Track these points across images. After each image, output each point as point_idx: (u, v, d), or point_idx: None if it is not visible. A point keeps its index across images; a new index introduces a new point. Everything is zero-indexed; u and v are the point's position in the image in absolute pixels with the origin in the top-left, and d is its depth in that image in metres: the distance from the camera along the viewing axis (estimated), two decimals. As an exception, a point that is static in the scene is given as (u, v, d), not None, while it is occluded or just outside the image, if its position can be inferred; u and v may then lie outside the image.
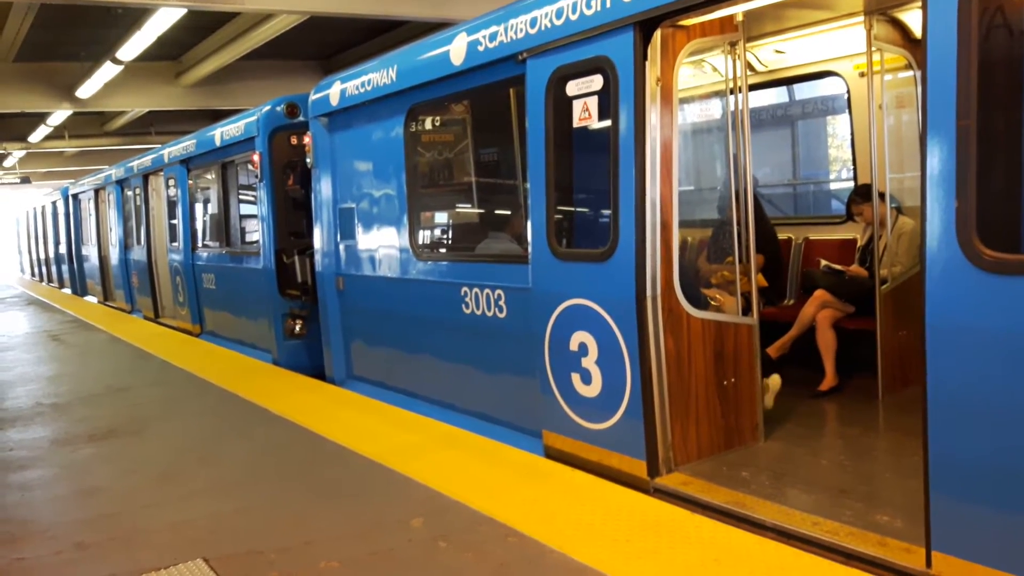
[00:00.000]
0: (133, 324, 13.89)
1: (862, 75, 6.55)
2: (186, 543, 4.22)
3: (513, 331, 5.59)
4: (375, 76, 6.85)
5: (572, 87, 4.96)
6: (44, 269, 27.08)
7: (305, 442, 6.02)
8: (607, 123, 4.75)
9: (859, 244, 6.60)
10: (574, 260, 5.05)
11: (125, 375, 9.25)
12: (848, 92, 6.98)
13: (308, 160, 8.00)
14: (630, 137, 4.56)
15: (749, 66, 6.92)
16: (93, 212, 18.11)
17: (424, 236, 7.36)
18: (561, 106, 5.04)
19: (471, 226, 7.84)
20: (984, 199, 3.10)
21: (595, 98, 4.83)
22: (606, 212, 4.86)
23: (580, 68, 4.87)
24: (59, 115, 20.67)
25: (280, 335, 9.12)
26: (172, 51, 16.76)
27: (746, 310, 5.02)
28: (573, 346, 5.00)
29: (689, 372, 4.72)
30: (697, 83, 6.07)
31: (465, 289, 5.99)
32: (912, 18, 5.71)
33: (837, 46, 6.60)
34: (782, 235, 7.16)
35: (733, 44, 4.89)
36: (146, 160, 13.75)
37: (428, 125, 7.38)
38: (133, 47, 13.59)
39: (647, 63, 4.51)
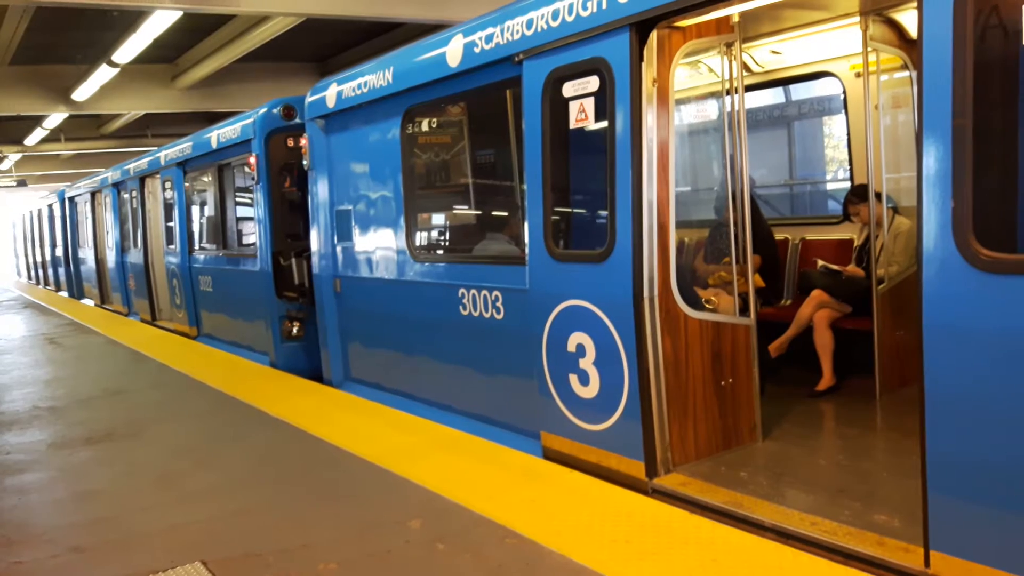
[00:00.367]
0: (130, 327, 13.87)
1: (858, 75, 6.56)
2: (184, 546, 4.21)
3: (511, 332, 5.59)
4: (371, 78, 6.85)
5: (568, 88, 4.96)
6: (41, 272, 27.03)
7: (302, 444, 6.01)
8: (603, 124, 4.75)
9: (856, 244, 6.61)
10: (571, 261, 5.05)
11: (122, 378, 9.23)
12: (844, 92, 6.99)
13: (305, 162, 8.00)
14: (627, 138, 4.56)
15: (745, 67, 6.93)
16: (90, 215, 18.07)
17: (421, 238, 7.36)
18: (557, 107, 5.04)
19: (468, 228, 7.84)
20: (980, 199, 3.11)
21: (591, 99, 4.83)
22: (603, 213, 4.86)
23: (576, 69, 4.88)
24: (55, 118, 20.66)
25: (277, 337, 9.11)
26: (168, 54, 16.76)
27: (743, 310, 5.03)
28: (571, 347, 5.00)
29: (687, 373, 4.72)
30: (693, 84, 6.08)
31: (462, 290, 5.99)
32: (908, 18, 5.72)
33: (833, 47, 6.60)
34: (779, 235, 7.17)
35: (729, 45, 4.90)
36: (142, 163, 13.74)
37: (425, 127, 7.38)
38: (129, 50, 13.59)
39: (643, 64, 4.51)
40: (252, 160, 9.09)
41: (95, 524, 4.68)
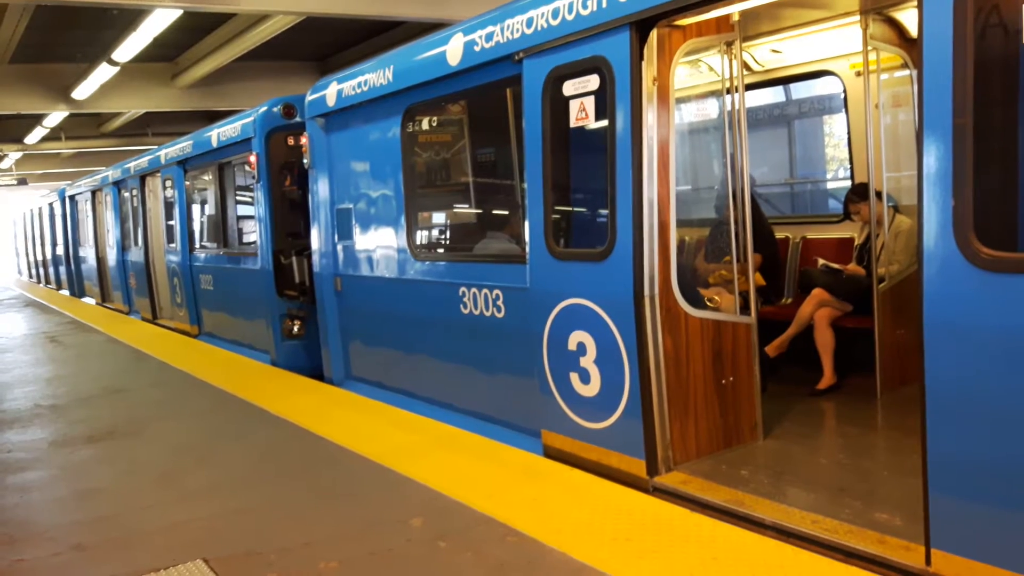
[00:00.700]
0: (131, 325, 13.88)
1: (858, 74, 6.56)
2: (185, 544, 4.22)
3: (511, 331, 5.59)
4: (371, 77, 6.85)
5: (569, 87, 4.96)
6: (41, 271, 27.04)
7: (303, 443, 6.02)
8: (604, 123, 4.75)
9: (856, 243, 6.61)
10: (572, 260, 5.05)
11: (123, 376, 9.24)
12: (844, 91, 6.99)
13: (305, 161, 8.00)
14: (627, 137, 4.56)
15: (745, 66, 6.93)
16: (90, 213, 18.08)
17: (422, 236, 7.36)
18: (558, 106, 5.04)
19: (469, 226, 7.84)
20: (981, 197, 3.11)
21: (592, 98, 4.83)
22: (603, 212, 4.86)
23: (576, 68, 4.88)
24: (55, 116, 20.66)
25: (278, 336, 9.12)
26: (168, 52, 16.75)
27: (744, 309, 5.03)
28: (571, 346, 5.00)
29: (687, 371, 4.72)
30: (694, 83, 6.08)
31: (463, 289, 6.00)
32: (908, 17, 5.72)
33: (833, 45, 6.60)
34: (780, 234, 7.16)
35: (729, 44, 4.90)
36: (143, 161, 13.74)
37: (425, 125, 7.38)
38: (129, 48, 13.59)
39: (643, 63, 4.51)
40: (252, 159, 9.09)
41: (97, 522, 4.69)
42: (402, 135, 6.73)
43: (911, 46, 5.72)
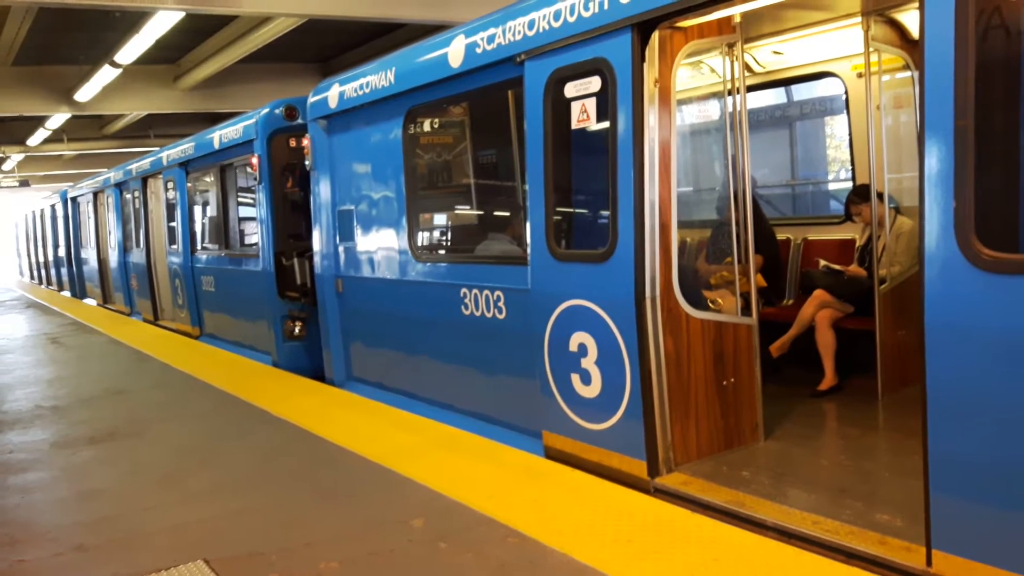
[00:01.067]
0: (132, 327, 13.89)
1: (860, 76, 6.56)
2: (187, 545, 4.22)
3: (512, 332, 5.59)
4: (373, 79, 6.86)
5: (570, 89, 4.97)
6: (43, 272, 27.06)
7: (305, 444, 6.02)
8: (605, 125, 4.76)
9: (858, 244, 6.61)
10: (573, 261, 5.06)
11: (125, 377, 9.25)
12: (846, 93, 7.00)
13: (307, 162, 8.01)
14: (628, 139, 4.56)
15: (747, 67, 6.93)
16: (92, 215, 18.10)
17: (423, 238, 7.37)
18: (559, 108, 5.05)
19: (470, 228, 7.85)
20: (982, 199, 3.11)
21: (593, 100, 4.84)
22: (605, 213, 4.87)
23: (578, 70, 4.88)
24: (58, 118, 20.68)
25: (279, 337, 9.13)
26: (170, 54, 16.77)
27: (745, 310, 5.03)
28: (573, 347, 5.01)
29: (689, 372, 4.73)
30: (695, 84, 6.09)
31: (464, 290, 6.00)
32: (910, 19, 5.72)
33: (835, 47, 6.61)
34: (781, 235, 7.17)
35: (731, 45, 4.90)
36: (145, 163, 13.76)
37: (427, 127, 7.39)
38: (131, 50, 13.61)
39: (645, 65, 4.51)
40: (254, 160, 9.10)
41: (98, 523, 4.69)
42: (404, 137, 6.74)
43: (913, 47, 5.73)
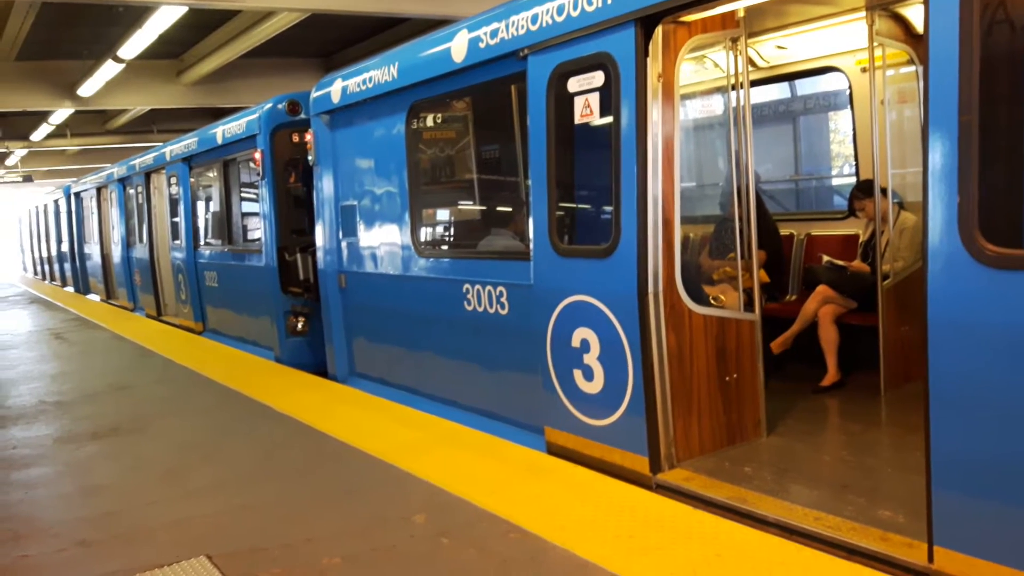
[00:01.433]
0: (136, 322, 13.91)
1: (864, 70, 6.53)
2: (189, 540, 4.23)
3: (515, 328, 5.59)
4: (376, 73, 6.85)
5: (573, 84, 4.95)
6: (47, 267, 27.11)
7: (307, 439, 6.03)
8: (609, 120, 4.75)
9: (861, 240, 6.59)
10: (576, 256, 5.05)
11: (128, 373, 9.27)
12: (850, 88, 6.97)
13: (310, 158, 8.00)
14: (632, 134, 4.55)
15: (751, 62, 6.92)
16: (95, 210, 18.12)
17: (426, 233, 7.37)
18: (563, 103, 5.04)
19: (473, 223, 7.84)
20: (986, 194, 3.10)
21: (596, 95, 4.83)
22: (608, 209, 4.86)
23: (581, 65, 4.87)
24: (61, 113, 20.69)
25: (282, 333, 9.13)
26: (173, 49, 16.77)
27: (748, 306, 5.02)
28: (575, 342, 5.00)
29: (691, 368, 4.72)
30: (699, 79, 6.07)
31: (467, 286, 6.00)
32: (914, 13, 5.70)
33: (839, 41, 6.58)
34: (784, 231, 7.16)
35: (735, 40, 4.88)
36: (148, 158, 13.77)
37: (430, 122, 7.38)
38: (134, 45, 13.61)
39: (648, 59, 4.50)
40: (257, 156, 9.10)
41: (101, 518, 4.70)
42: (407, 132, 6.73)
43: (917, 42, 5.70)
